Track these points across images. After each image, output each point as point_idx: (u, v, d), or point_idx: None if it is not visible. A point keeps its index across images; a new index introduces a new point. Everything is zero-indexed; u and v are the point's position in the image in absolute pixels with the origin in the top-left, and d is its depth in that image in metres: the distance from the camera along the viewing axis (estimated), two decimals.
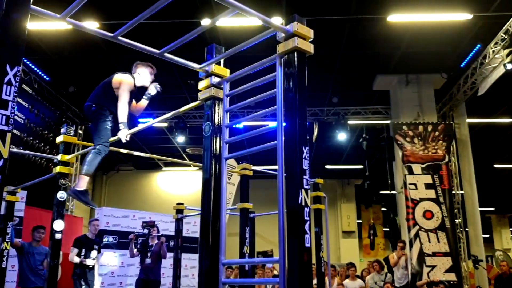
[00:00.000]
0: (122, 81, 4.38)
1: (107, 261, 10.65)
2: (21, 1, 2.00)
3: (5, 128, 1.88)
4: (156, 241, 8.39)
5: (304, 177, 2.54)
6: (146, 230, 8.15)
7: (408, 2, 8.52)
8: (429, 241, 10.21)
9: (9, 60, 1.93)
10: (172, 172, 18.96)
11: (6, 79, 1.91)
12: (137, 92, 4.71)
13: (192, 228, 11.96)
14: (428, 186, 10.62)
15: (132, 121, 4.79)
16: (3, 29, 1.95)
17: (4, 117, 1.88)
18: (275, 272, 10.70)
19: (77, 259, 7.18)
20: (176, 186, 18.45)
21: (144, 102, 4.75)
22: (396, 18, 8.91)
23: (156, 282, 8.44)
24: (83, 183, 4.29)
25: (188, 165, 17.88)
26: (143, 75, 4.59)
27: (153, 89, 4.60)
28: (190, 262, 11.49)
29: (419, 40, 9.82)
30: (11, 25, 1.97)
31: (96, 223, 7.84)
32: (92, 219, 8.27)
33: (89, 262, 7.24)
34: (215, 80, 3.47)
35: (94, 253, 7.40)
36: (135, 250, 8.25)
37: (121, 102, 4.29)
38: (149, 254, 8.07)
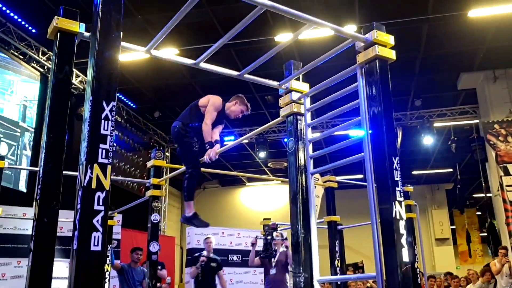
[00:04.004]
0: (210, 100, 4.42)
1: None
2: (113, 39, 2.12)
3: (105, 161, 1.99)
4: (281, 249, 7.03)
5: (397, 188, 2.45)
6: (269, 236, 6.98)
7: None
8: None
9: (105, 96, 2.05)
10: (256, 187, 19.16)
11: (103, 115, 2.03)
12: (222, 117, 4.64)
13: None
14: None
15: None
16: (98, 67, 2.08)
17: (103, 150, 1.99)
18: (368, 285, 10.44)
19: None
20: (261, 201, 18.59)
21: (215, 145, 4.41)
22: (477, 13, 8.52)
23: None
24: (190, 208, 4.50)
25: (271, 179, 18.05)
26: (234, 108, 4.55)
27: (206, 158, 4.25)
28: None
29: (505, 33, 9.31)
30: (105, 63, 2.09)
31: (209, 240, 7.56)
32: (205, 238, 7.85)
33: None
34: (295, 95, 3.47)
35: None
36: (256, 258, 7.21)
37: (204, 122, 4.30)
38: (273, 264, 6.95)
